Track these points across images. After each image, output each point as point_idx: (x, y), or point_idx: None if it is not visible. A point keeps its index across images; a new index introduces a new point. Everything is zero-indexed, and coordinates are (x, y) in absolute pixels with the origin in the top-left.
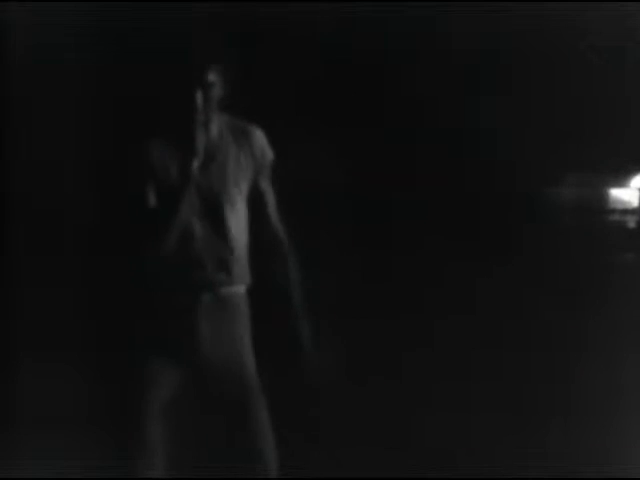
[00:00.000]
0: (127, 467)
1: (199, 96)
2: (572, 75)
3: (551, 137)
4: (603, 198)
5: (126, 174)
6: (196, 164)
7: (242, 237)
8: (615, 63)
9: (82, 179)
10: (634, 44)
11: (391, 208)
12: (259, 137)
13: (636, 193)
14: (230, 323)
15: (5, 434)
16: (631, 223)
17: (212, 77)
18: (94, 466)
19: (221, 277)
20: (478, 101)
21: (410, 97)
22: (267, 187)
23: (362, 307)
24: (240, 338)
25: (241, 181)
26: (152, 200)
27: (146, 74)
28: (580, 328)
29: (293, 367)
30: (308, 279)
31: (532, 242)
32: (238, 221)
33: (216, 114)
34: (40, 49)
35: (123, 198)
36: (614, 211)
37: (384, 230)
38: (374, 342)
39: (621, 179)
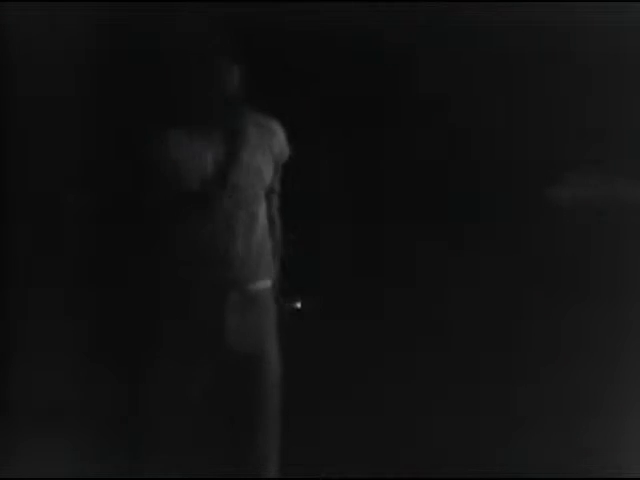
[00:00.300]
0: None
1: (221, 78)
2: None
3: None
4: None
5: (150, 170)
6: (242, 146)
7: (265, 232)
8: None
9: (99, 175)
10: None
11: (389, 206)
12: (280, 134)
13: None
14: (257, 319)
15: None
16: None
17: (227, 63)
18: (109, 467)
19: (246, 274)
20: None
21: (410, 96)
22: (277, 185)
23: (367, 307)
24: (266, 334)
25: (264, 178)
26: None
27: (160, 66)
28: (590, 330)
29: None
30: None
31: (564, 244)
32: (262, 217)
33: (237, 107)
34: (46, 40)
35: (150, 195)
36: None
37: (382, 230)
38: (373, 341)
39: None
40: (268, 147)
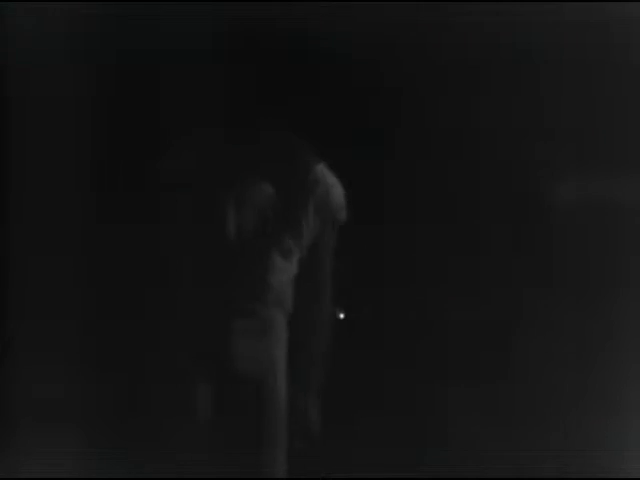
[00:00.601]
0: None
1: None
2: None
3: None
4: None
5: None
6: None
7: (288, 274)
8: None
9: (110, 180)
10: None
11: (388, 206)
12: (340, 198)
13: None
14: (266, 346)
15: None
16: None
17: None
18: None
19: (257, 303)
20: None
21: (407, 97)
22: (329, 248)
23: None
24: (274, 363)
25: (301, 232)
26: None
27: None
28: (590, 330)
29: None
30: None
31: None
32: (286, 265)
33: (304, 154)
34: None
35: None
36: None
37: (381, 230)
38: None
39: None
40: (318, 204)
